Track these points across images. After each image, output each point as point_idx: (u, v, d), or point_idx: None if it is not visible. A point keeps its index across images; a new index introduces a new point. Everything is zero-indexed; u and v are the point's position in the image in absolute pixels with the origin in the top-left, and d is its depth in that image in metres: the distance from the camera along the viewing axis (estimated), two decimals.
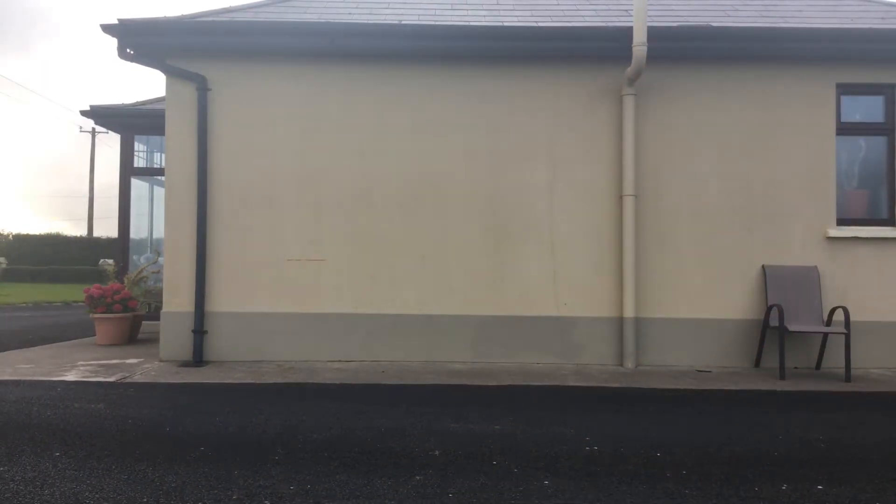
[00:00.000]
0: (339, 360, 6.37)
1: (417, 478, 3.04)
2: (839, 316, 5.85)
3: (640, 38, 5.97)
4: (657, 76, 6.38)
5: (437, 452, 3.44)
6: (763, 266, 6.40)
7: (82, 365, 6.12)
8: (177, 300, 6.40)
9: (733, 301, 6.43)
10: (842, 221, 6.49)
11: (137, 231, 9.79)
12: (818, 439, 3.82)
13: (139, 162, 9.55)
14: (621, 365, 6.31)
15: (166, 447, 3.47)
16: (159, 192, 9.77)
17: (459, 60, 6.50)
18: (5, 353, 6.96)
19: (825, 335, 6.18)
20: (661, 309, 6.40)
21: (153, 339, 7.60)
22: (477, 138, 6.51)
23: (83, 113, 9.41)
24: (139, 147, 9.56)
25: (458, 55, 6.46)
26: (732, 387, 5.43)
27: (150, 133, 9.40)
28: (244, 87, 6.50)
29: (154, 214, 9.95)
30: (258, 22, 6.42)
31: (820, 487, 2.98)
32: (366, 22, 6.42)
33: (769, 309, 6.12)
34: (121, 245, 9.58)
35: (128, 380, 5.41)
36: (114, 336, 7.64)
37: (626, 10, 7.01)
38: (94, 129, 37.19)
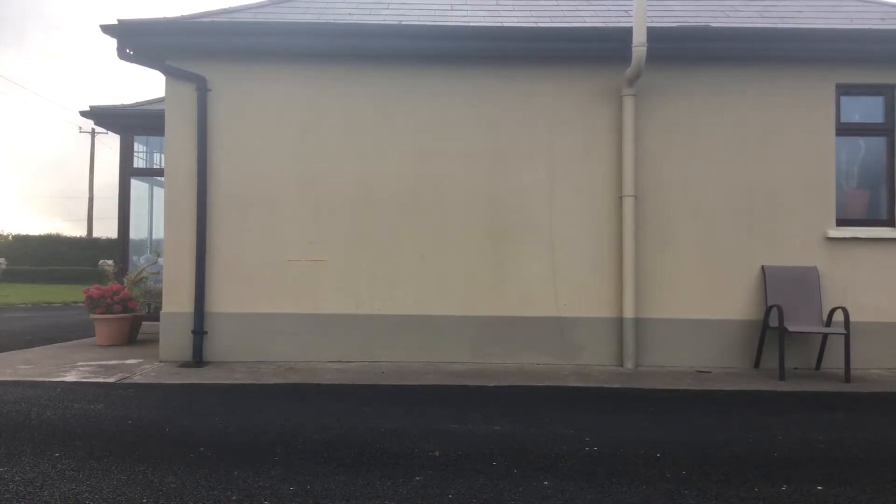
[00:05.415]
0: (339, 361, 6.37)
1: (417, 478, 3.04)
2: (839, 316, 5.85)
3: (639, 39, 5.97)
4: (657, 77, 6.38)
5: (436, 453, 3.44)
6: (763, 266, 6.40)
7: (82, 365, 6.12)
8: (176, 301, 6.40)
9: (733, 301, 6.42)
10: (841, 222, 6.49)
11: (137, 231, 9.79)
12: (818, 440, 3.82)
13: (139, 162, 9.55)
14: (621, 365, 6.31)
15: (166, 448, 3.47)
16: (159, 193, 9.76)
17: (459, 61, 6.50)
18: (5, 353, 6.95)
19: (825, 336, 6.17)
20: (660, 309, 6.40)
21: (153, 340, 7.59)
22: (477, 138, 6.51)
23: (83, 113, 9.41)
24: (139, 147, 9.56)
25: (457, 55, 6.46)
26: (732, 387, 5.43)
27: (150, 133, 9.40)
28: (244, 87, 6.50)
29: (153, 215, 9.95)
30: (258, 22, 6.42)
31: (820, 488, 2.98)
32: (365, 22, 6.42)
33: (769, 309, 6.12)
34: (120, 246, 9.58)
35: (127, 380, 5.40)
36: (113, 337, 7.64)
37: (626, 11, 7.01)
38: (93, 129, 37.10)
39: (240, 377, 5.58)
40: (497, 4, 7.46)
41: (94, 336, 8.08)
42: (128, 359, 6.56)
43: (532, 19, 6.75)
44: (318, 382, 5.39)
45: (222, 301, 6.40)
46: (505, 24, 6.43)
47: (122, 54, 6.33)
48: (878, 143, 6.64)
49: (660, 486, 2.97)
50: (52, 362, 6.30)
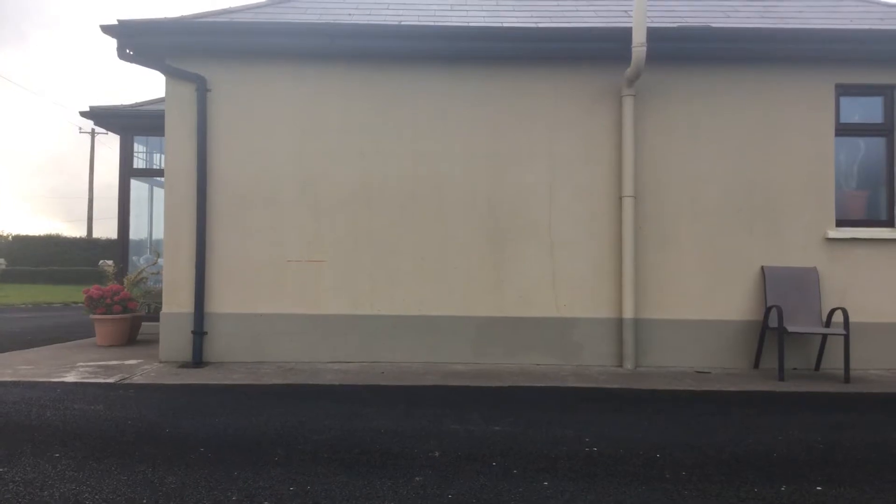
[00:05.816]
0: (339, 362, 6.37)
1: (417, 479, 3.04)
2: (838, 317, 5.85)
3: (639, 39, 5.97)
4: (657, 77, 6.38)
5: (436, 453, 3.44)
6: (762, 267, 6.40)
7: (82, 366, 6.12)
8: (176, 301, 6.40)
9: (732, 302, 6.43)
10: (841, 223, 6.49)
11: (137, 232, 9.78)
12: (817, 440, 3.82)
13: (139, 163, 9.54)
14: (621, 366, 6.32)
15: (166, 448, 3.47)
16: (159, 193, 9.76)
17: (459, 61, 6.50)
18: (5, 354, 6.95)
19: (824, 336, 6.18)
20: (660, 310, 6.40)
21: (153, 341, 7.59)
22: (476, 139, 6.51)
23: (82, 114, 9.40)
24: (139, 148, 9.55)
25: (457, 56, 6.46)
26: (731, 388, 5.43)
27: (150, 134, 9.39)
28: (244, 87, 6.50)
29: (153, 215, 9.94)
30: (258, 22, 6.42)
31: (819, 488, 2.99)
32: (365, 23, 6.42)
33: (768, 310, 6.12)
34: (120, 246, 9.57)
35: (127, 381, 5.41)
36: (113, 337, 7.64)
37: (626, 11, 7.01)
38: (93, 129, 37.08)
39: (240, 378, 5.58)
40: (497, 5, 7.46)
41: (94, 336, 8.08)
42: (128, 359, 6.56)
43: (532, 19, 6.74)
44: (318, 383, 5.40)
45: (222, 301, 6.40)
46: (505, 25, 6.43)
47: (122, 54, 6.33)
48: (878, 144, 6.64)
49: (659, 487, 2.97)
50: (52, 363, 6.30)
